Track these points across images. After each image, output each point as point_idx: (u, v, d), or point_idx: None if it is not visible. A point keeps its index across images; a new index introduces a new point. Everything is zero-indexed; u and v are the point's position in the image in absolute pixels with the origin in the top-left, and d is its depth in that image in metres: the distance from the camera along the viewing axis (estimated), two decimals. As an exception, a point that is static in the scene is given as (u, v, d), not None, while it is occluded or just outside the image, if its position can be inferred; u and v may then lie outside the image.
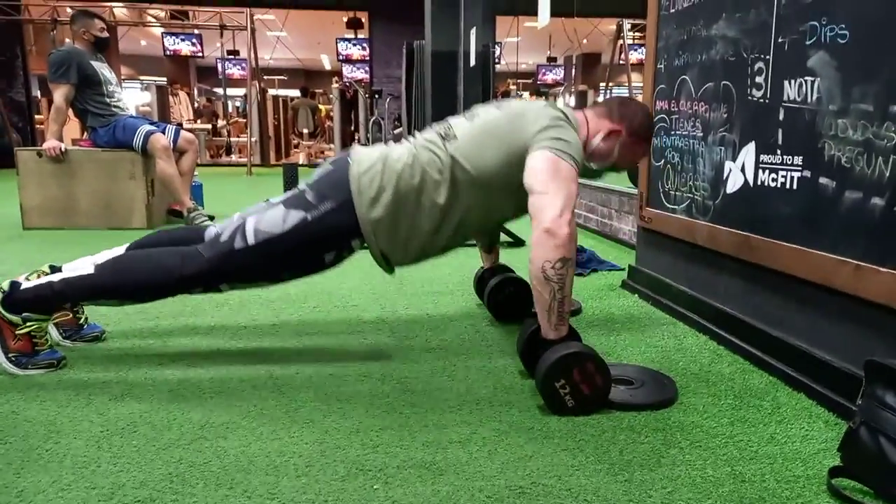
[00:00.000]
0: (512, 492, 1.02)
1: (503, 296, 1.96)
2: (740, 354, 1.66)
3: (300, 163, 9.42)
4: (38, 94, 10.80)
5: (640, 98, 1.90)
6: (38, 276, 1.51)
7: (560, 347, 1.31)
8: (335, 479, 1.05)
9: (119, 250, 1.60)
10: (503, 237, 3.13)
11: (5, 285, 1.48)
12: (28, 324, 1.48)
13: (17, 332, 1.47)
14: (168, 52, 11.11)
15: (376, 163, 1.51)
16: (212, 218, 3.72)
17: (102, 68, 3.70)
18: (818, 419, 1.30)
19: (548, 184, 1.39)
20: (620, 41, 8.34)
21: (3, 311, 1.46)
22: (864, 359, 1.08)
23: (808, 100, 1.41)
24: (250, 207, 1.57)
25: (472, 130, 1.55)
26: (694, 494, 1.02)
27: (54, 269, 1.54)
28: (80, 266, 1.51)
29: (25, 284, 1.49)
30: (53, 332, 1.68)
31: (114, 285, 1.49)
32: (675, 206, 2.03)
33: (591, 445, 1.18)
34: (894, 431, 0.98)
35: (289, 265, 1.53)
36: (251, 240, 1.47)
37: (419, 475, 1.07)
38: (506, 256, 2.12)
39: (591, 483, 1.05)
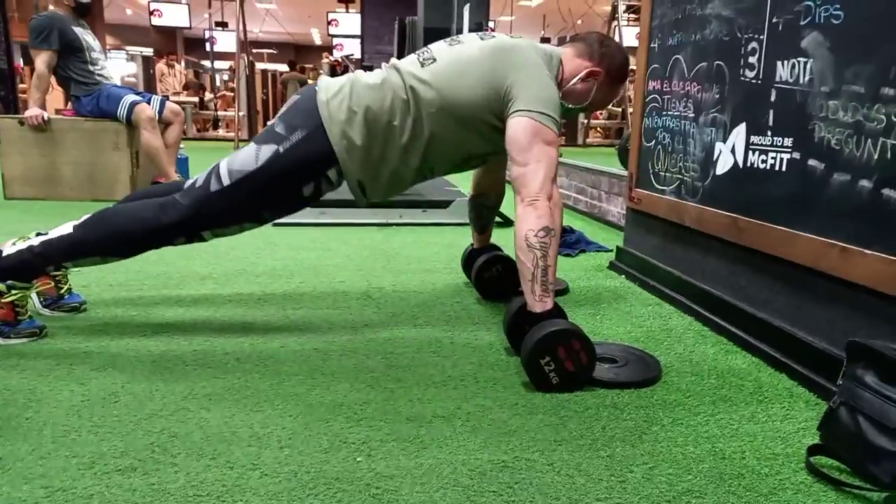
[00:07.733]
0: (495, 465, 1.02)
1: (490, 274, 1.96)
2: (724, 335, 1.68)
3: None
4: (21, 62, 10.54)
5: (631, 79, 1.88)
6: (24, 241, 1.48)
7: (546, 324, 1.30)
8: (318, 451, 1.05)
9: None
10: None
11: (-12, 252, 1.45)
12: (13, 292, 1.46)
13: (0, 301, 1.44)
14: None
15: (344, 86, 1.49)
16: None
17: (85, 34, 3.61)
18: (799, 399, 1.31)
19: (528, 154, 1.40)
20: (615, 23, 8.27)
21: None
22: (847, 340, 1.09)
23: (801, 81, 1.40)
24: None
25: (452, 57, 1.52)
26: (675, 470, 1.03)
27: (40, 236, 1.51)
28: (61, 229, 1.49)
29: (8, 250, 1.46)
30: (33, 301, 1.65)
31: (92, 240, 1.47)
32: (665, 188, 2.03)
33: (574, 421, 1.18)
34: (872, 411, 0.99)
35: (267, 203, 1.51)
36: (226, 181, 1.45)
37: (402, 448, 1.07)
38: (494, 236, 2.11)
39: (573, 458, 1.05)
